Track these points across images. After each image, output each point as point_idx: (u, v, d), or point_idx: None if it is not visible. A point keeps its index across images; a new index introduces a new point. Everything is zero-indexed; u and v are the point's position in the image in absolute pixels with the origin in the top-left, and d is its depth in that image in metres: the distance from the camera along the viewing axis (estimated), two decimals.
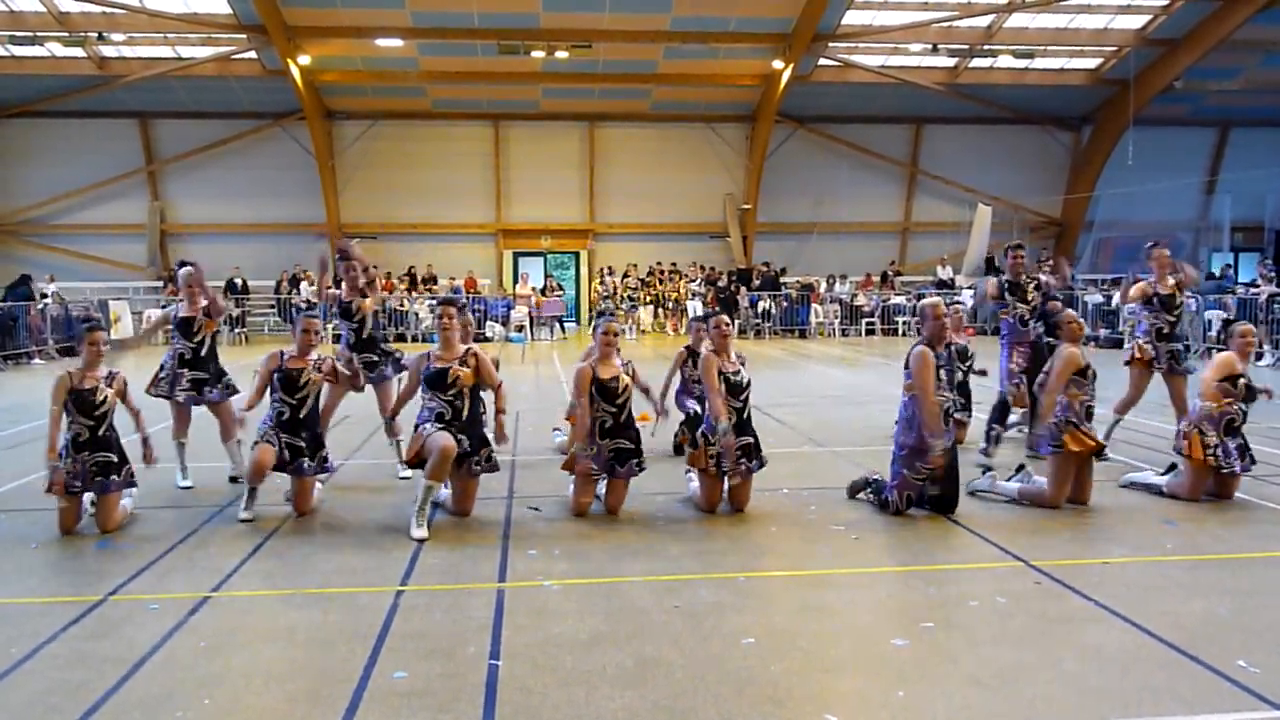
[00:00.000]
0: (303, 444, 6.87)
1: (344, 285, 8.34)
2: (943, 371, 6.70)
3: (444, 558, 5.92)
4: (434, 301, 23.22)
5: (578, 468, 6.79)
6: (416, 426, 6.71)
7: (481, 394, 7.02)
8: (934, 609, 4.95)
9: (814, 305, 27.73)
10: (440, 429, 6.54)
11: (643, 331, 27.66)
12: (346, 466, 8.67)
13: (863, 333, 27.30)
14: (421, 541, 6.22)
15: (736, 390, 6.78)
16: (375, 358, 8.22)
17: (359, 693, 4.01)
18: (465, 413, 6.71)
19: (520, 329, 26.41)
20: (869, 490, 7.09)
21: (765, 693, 3.98)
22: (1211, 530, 6.42)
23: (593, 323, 7.08)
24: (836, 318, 27.80)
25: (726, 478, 6.83)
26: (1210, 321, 19.34)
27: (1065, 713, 3.79)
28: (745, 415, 6.84)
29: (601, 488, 7.02)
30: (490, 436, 6.85)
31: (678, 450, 8.93)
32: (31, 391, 15.79)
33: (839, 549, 6.11)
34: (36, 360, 20.98)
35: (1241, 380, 7.13)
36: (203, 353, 7.84)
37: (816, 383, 15.80)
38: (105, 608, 5.07)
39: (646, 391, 7.31)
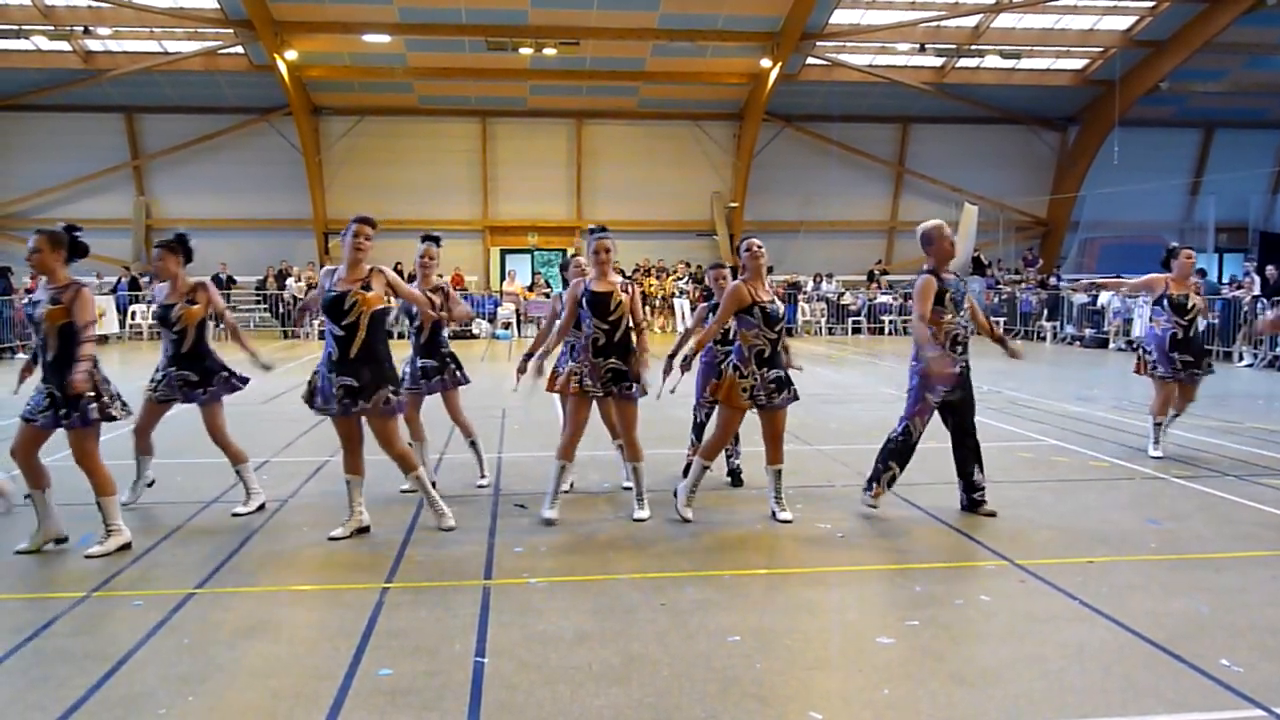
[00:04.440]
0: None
1: (158, 285, 7.11)
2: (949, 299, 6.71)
3: (429, 555, 5.91)
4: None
5: (570, 387, 6.37)
6: (316, 371, 6.26)
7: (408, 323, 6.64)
8: (919, 607, 4.95)
9: (800, 304, 27.80)
10: (327, 382, 6.09)
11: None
12: (328, 465, 8.63)
13: (849, 331, 27.37)
14: (335, 539, 6.13)
15: (772, 321, 6.51)
16: (197, 377, 7.02)
17: (343, 690, 4.00)
18: (356, 348, 6.03)
19: (506, 326, 26.40)
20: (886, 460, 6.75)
21: (750, 691, 3.98)
22: (1194, 529, 6.46)
23: (586, 239, 6.62)
24: (823, 316, 27.87)
25: (757, 410, 6.65)
26: None
27: (1048, 711, 3.81)
28: (776, 349, 6.57)
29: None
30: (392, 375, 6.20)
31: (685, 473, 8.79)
32: (12, 387, 15.63)
33: (824, 547, 6.12)
34: (20, 355, 20.83)
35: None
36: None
37: (802, 381, 15.76)
38: (88, 604, 5.04)
39: (640, 332, 6.59)
